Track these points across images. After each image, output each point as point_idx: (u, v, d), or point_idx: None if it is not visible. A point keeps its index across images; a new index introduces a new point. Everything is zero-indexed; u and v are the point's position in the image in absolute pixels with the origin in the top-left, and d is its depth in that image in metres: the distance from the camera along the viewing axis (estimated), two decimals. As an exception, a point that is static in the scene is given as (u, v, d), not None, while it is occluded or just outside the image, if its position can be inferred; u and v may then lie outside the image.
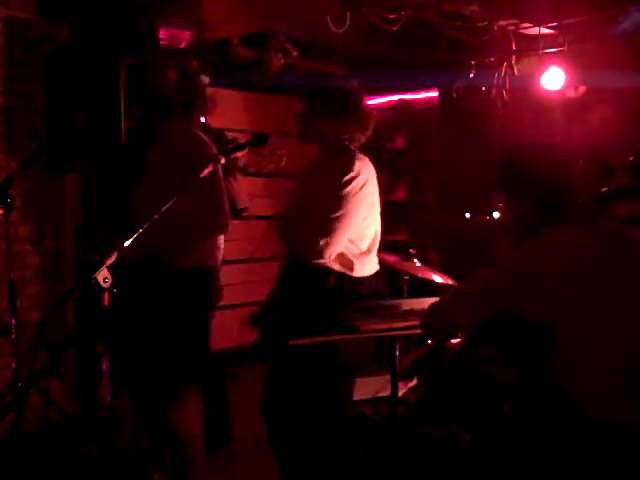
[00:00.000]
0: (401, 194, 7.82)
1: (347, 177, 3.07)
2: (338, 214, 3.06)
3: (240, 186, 4.53)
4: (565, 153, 2.44)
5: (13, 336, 3.99)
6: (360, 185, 3.09)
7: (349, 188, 3.07)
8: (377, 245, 3.25)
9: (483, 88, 6.38)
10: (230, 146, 2.99)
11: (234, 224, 4.67)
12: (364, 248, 3.17)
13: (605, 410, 2.10)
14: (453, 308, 2.35)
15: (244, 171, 4.43)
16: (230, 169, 4.29)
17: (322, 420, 3.16)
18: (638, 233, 2.48)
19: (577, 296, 2.14)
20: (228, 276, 4.59)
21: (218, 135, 4.44)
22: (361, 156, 3.19)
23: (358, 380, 4.07)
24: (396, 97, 7.76)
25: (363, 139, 3.26)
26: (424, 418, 2.55)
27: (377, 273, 3.25)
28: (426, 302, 2.67)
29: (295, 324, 3.03)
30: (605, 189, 2.95)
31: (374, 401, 3.83)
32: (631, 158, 4.35)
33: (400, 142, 7.84)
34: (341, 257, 3.13)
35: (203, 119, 4.57)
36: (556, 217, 2.28)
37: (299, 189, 3.37)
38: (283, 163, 5.85)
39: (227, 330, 4.65)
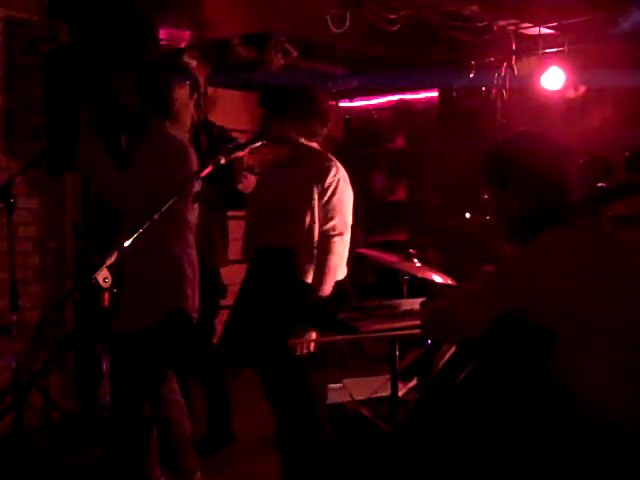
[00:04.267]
0: (401, 194, 7.82)
1: (329, 180, 3.15)
2: (337, 220, 3.14)
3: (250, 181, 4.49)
4: (558, 145, 2.36)
5: (14, 335, 4.00)
6: (343, 181, 3.19)
7: (337, 190, 3.15)
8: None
9: (483, 88, 6.38)
10: (230, 146, 2.99)
11: (234, 224, 4.68)
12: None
13: (605, 411, 2.10)
14: (460, 310, 2.29)
15: (252, 171, 4.41)
16: (238, 169, 4.29)
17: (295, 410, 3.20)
18: (635, 233, 2.47)
19: (577, 298, 2.13)
20: (228, 276, 4.59)
21: (221, 134, 4.44)
22: (329, 155, 3.27)
23: (358, 380, 4.08)
24: (396, 97, 7.76)
25: (323, 135, 3.33)
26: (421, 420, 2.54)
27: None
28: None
29: (275, 324, 3.10)
30: (601, 185, 2.92)
31: (373, 401, 3.83)
32: (627, 153, 4.35)
33: (400, 142, 7.85)
34: None
35: (204, 117, 4.54)
36: (552, 217, 2.25)
37: (272, 190, 3.37)
38: None
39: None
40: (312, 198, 3.15)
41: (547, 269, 2.16)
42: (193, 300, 3.42)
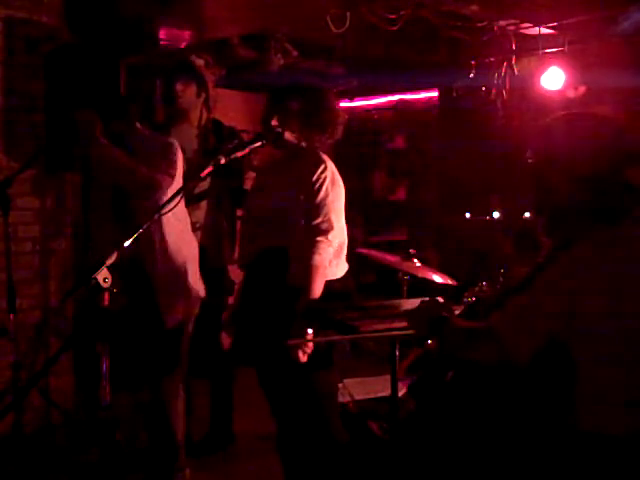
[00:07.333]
0: (401, 194, 7.82)
1: (315, 177, 3.10)
2: (320, 219, 3.08)
3: None
4: (624, 136, 2.13)
5: (12, 336, 4.00)
6: (330, 180, 3.12)
7: (322, 188, 3.09)
8: (346, 245, 3.23)
9: (483, 88, 6.38)
10: (230, 146, 2.99)
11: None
12: (336, 247, 3.15)
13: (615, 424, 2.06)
14: (509, 335, 2.08)
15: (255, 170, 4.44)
16: (246, 168, 4.31)
17: (303, 411, 3.17)
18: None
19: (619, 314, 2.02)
20: (233, 276, 4.59)
21: (231, 134, 4.43)
22: (320, 153, 3.21)
23: (358, 380, 4.08)
24: (396, 97, 7.76)
25: (327, 139, 3.27)
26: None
27: (345, 273, 3.25)
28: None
29: (272, 326, 3.07)
30: None
31: (373, 401, 3.82)
32: None
33: (400, 142, 7.85)
34: None
35: (213, 117, 4.54)
36: (599, 216, 2.08)
37: (264, 191, 3.34)
38: None
39: (227, 330, 4.65)
40: (299, 197, 3.11)
41: (590, 284, 2.02)
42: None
